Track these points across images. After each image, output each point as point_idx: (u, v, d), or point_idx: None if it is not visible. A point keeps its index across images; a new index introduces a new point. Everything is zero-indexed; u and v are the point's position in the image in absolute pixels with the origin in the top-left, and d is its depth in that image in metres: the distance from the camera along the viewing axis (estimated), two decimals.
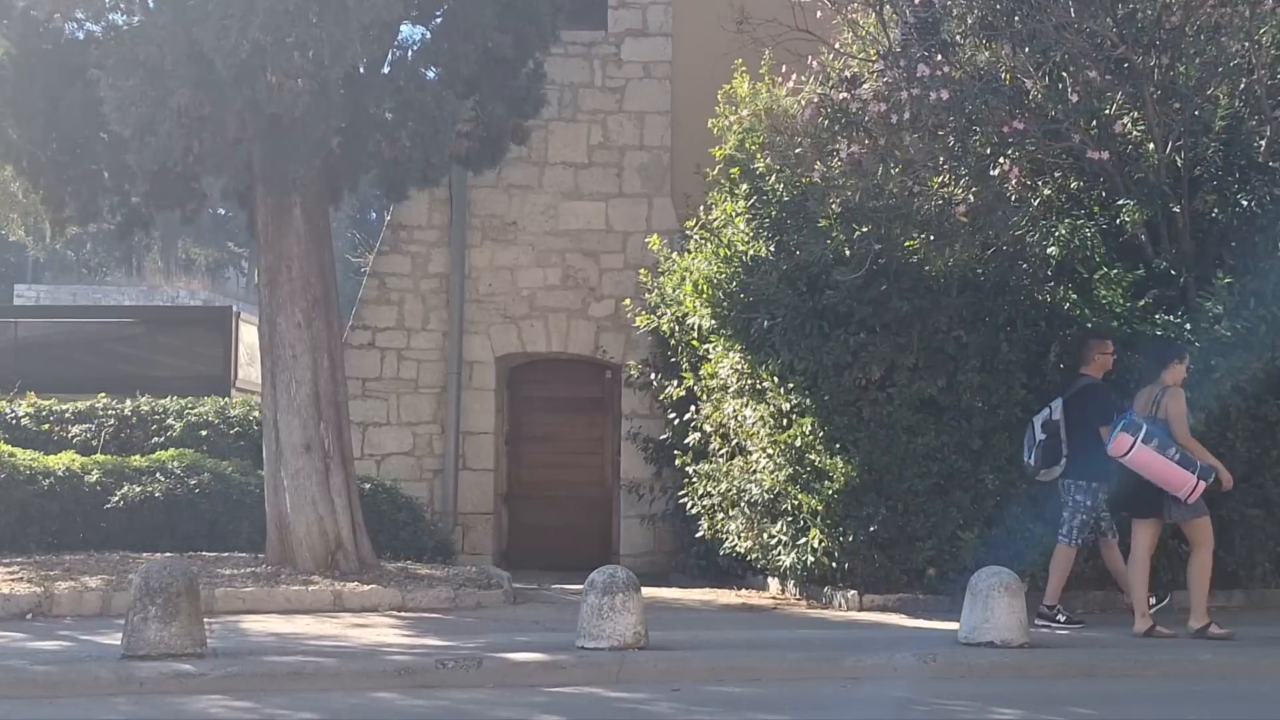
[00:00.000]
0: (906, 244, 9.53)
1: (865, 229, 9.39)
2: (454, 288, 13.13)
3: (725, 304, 10.43)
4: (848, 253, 9.55)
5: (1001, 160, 9.39)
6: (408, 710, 6.36)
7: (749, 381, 10.36)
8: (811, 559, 9.71)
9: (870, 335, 9.73)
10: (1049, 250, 9.44)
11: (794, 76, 10.16)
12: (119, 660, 6.79)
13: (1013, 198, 9.50)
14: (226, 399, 12.98)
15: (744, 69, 10.81)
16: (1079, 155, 9.73)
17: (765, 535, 10.17)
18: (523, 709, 6.39)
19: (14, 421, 12.10)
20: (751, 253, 10.34)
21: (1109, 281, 9.61)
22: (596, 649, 7.23)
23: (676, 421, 11.93)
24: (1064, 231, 9.41)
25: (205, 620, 7.20)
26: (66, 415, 12.22)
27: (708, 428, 11.22)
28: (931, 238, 9.39)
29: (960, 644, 7.71)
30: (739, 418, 10.55)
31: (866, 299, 9.68)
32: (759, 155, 10.38)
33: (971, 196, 9.29)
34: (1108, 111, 9.60)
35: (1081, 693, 6.94)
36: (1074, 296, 9.76)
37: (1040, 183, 9.82)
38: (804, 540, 9.75)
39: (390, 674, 6.87)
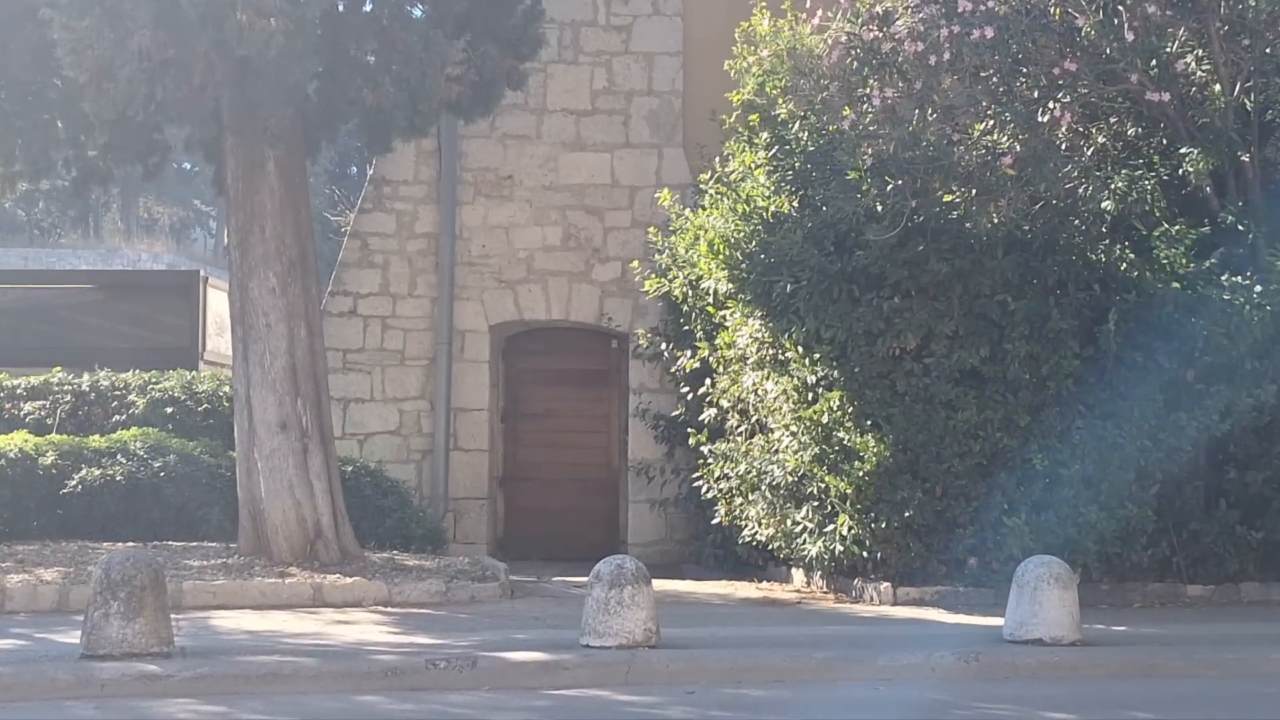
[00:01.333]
0: (945, 199, 9.48)
1: (899, 182, 9.35)
2: (443, 249, 13.09)
3: (744, 266, 10.40)
4: (880, 208, 9.51)
5: (1051, 105, 9.31)
6: (395, 715, 6.36)
7: (770, 351, 10.33)
8: (840, 548, 9.71)
9: (905, 300, 9.70)
10: (1104, 205, 9.39)
11: (820, 13, 10.07)
12: (78, 660, 6.79)
13: (1063, 146, 9.44)
14: (194, 372, 12.97)
15: (764, 4, 10.73)
16: (1137, 98, 9.64)
17: (788, 522, 10.17)
18: (521, 713, 6.39)
19: None
20: (773, 209, 10.30)
21: (1170, 239, 9.56)
22: (603, 647, 7.23)
23: (690, 396, 11.91)
24: (1120, 184, 9.34)
25: (172, 616, 7.20)
26: (18, 391, 12.22)
27: (725, 403, 11.21)
28: (973, 192, 9.35)
29: (1005, 641, 7.71)
30: (759, 392, 10.53)
31: (901, 260, 9.64)
32: (781, 100, 10.32)
33: (1018, 145, 9.23)
34: (1169, 49, 9.51)
35: (1140, 695, 6.92)
36: (1131, 256, 9.71)
37: (1094, 129, 9.75)
38: (831, 527, 9.75)
39: (376, 675, 6.87)
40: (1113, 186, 9.37)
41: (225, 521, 10.64)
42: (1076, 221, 9.78)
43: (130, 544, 10.18)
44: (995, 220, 9.39)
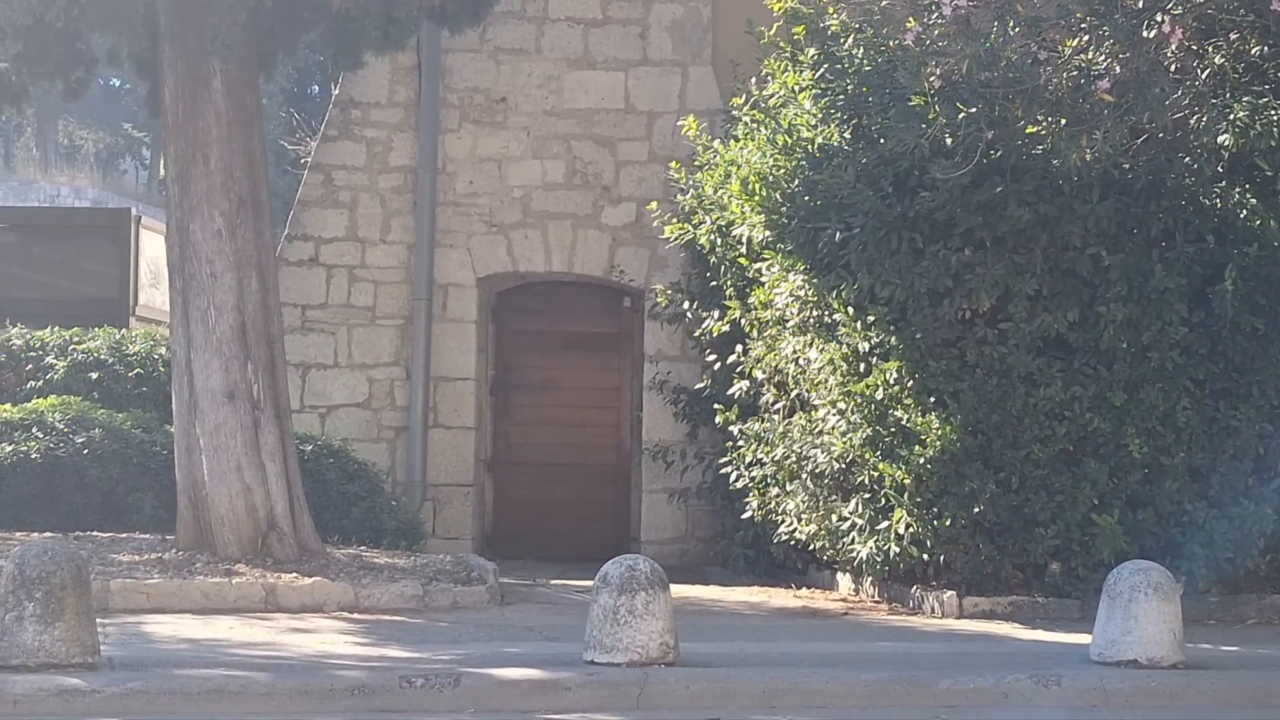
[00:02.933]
0: (1029, 130, 9.44)
1: (973, 109, 9.30)
2: (423, 186, 13.09)
3: (784, 209, 10.38)
4: (949, 141, 9.46)
5: (1159, 18, 9.24)
6: None
7: (815, 313, 10.32)
8: (896, 549, 9.73)
9: (978, 252, 9.66)
10: (1220, 139, 9.34)
11: None
12: None
13: (1173, 68, 9.38)
14: (124, 331, 13.01)
15: None
16: (1262, 10, 9.56)
17: (834, 517, 10.19)
18: None
19: None
20: (820, 140, 10.27)
21: None
22: (610, 664, 7.26)
23: (718, 366, 11.92)
24: (1241, 114, 9.29)
25: (99, 621, 7.25)
26: None
27: (759, 374, 11.21)
28: (1063, 122, 9.30)
29: (1093, 662, 7.73)
30: (801, 361, 10.53)
31: (974, 204, 9.61)
32: (831, 10, 10.27)
33: (1117, 66, 9.17)
34: None
35: None
36: (1253, 201, 9.66)
37: (1210, 48, 9.68)
38: (886, 524, 9.77)
39: (340, 693, 6.91)
40: (1232, 117, 9.31)
41: (161, 509, 10.69)
42: (1187, 159, 9.73)
43: (48, 534, 10.23)
44: (1088, 157, 9.34)
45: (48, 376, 12.04)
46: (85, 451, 10.82)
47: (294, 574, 9.40)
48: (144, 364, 12.15)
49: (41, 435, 10.87)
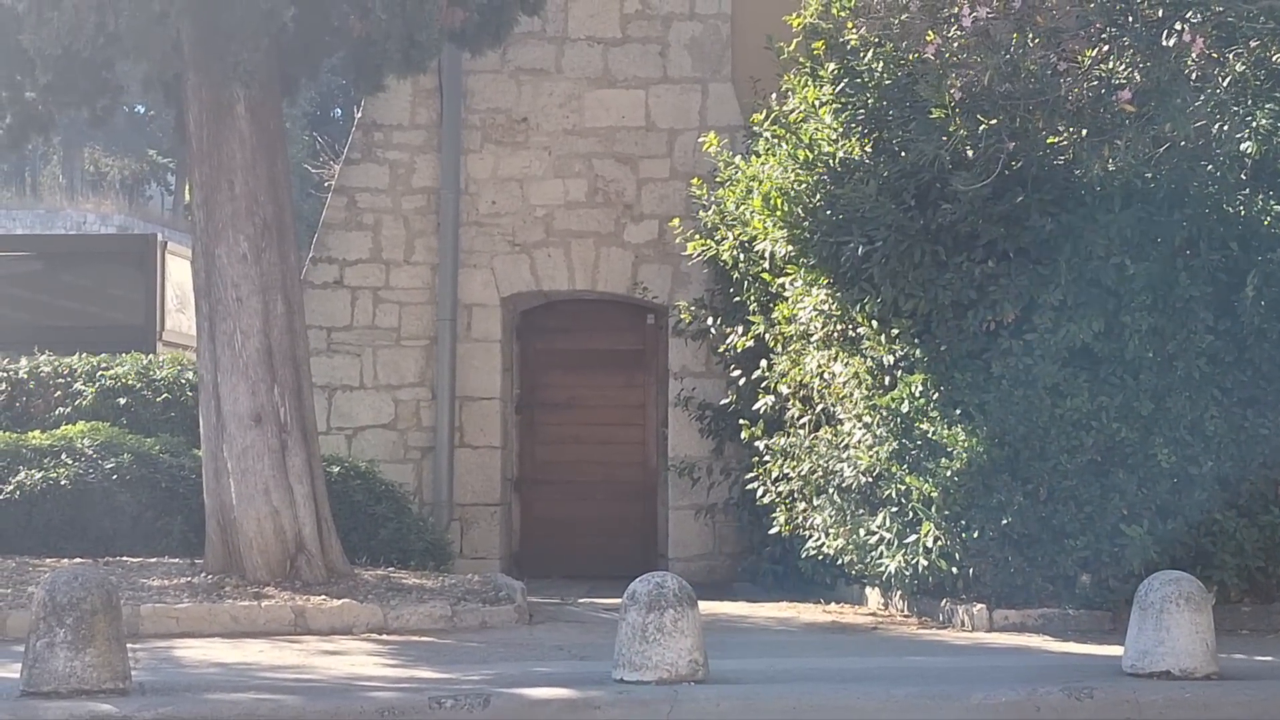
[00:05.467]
0: (1050, 141, 9.42)
1: (994, 121, 9.29)
2: (446, 206, 13.12)
3: (806, 224, 10.37)
4: (970, 153, 9.46)
5: (1179, 26, 9.22)
6: None
7: (839, 327, 10.31)
8: (924, 562, 9.69)
9: (1001, 263, 9.65)
10: (1243, 146, 9.30)
11: None
12: (19, 698, 6.83)
13: (1194, 77, 9.35)
14: (151, 356, 13.04)
15: None
16: None
17: (862, 531, 10.16)
18: None
19: None
20: (841, 154, 10.26)
21: None
22: (640, 682, 7.23)
23: (742, 381, 11.90)
24: (1264, 120, 9.26)
25: (129, 646, 7.23)
26: None
27: (784, 389, 11.19)
28: (1084, 132, 9.29)
29: (1125, 675, 7.66)
30: (826, 375, 10.51)
31: (996, 215, 9.59)
32: (851, 24, 10.26)
33: (1138, 76, 9.15)
34: None
35: None
36: (1276, 208, 9.62)
37: (1231, 55, 9.64)
38: (914, 538, 9.73)
39: (370, 715, 6.89)
40: (1254, 124, 9.28)
41: (190, 533, 10.69)
42: (1209, 167, 9.69)
43: (78, 560, 10.24)
44: (1110, 166, 9.32)
45: (76, 403, 12.08)
46: (114, 477, 10.84)
47: (323, 596, 9.40)
48: (171, 389, 12.17)
49: (71, 461, 10.89)
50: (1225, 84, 9.50)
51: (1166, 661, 7.59)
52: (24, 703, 6.78)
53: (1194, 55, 9.27)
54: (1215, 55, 9.56)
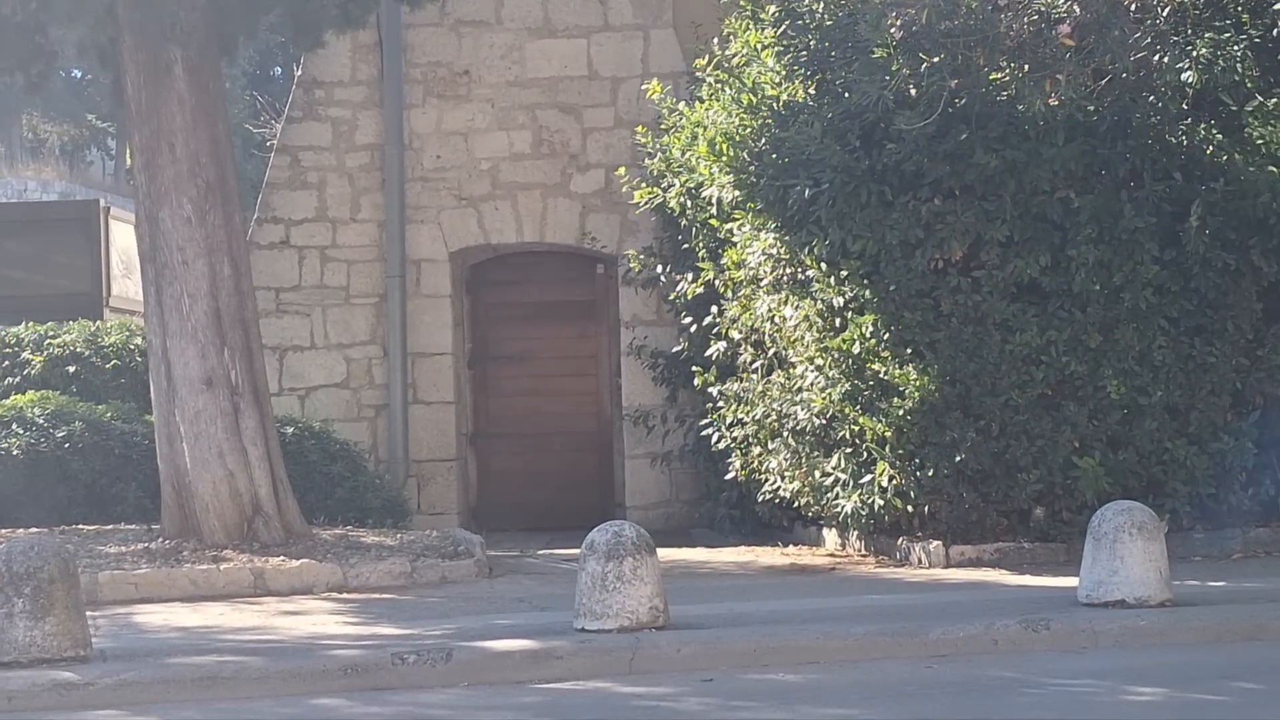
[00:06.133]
0: (992, 77, 9.42)
1: (935, 59, 9.28)
2: (390, 162, 13.02)
3: (752, 168, 10.35)
4: (913, 92, 9.45)
5: None
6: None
7: (788, 270, 10.31)
8: (880, 502, 9.74)
9: (947, 201, 9.67)
10: (1184, 76, 9.33)
11: None
12: None
13: (1133, 8, 9.36)
14: (99, 322, 12.95)
15: None
16: None
17: (817, 473, 10.20)
18: (509, 712, 6.42)
19: None
20: (785, 97, 10.24)
21: (1266, 114, 9.53)
22: (601, 631, 7.27)
23: (694, 328, 11.90)
24: (1204, 50, 9.29)
25: (89, 613, 7.22)
26: None
27: (735, 334, 11.20)
28: (1025, 67, 9.29)
29: (1081, 604, 7.76)
30: (776, 319, 10.52)
31: (941, 153, 9.60)
32: None
33: (1078, 9, 9.15)
34: None
35: (1245, 663, 6.97)
36: (1219, 137, 9.67)
37: None
38: (869, 478, 9.78)
39: (334, 673, 6.90)
40: (1194, 54, 9.31)
41: (145, 499, 10.65)
42: (1151, 99, 9.72)
43: (34, 530, 10.18)
44: (1053, 101, 9.33)
45: (25, 372, 12.00)
46: (67, 445, 10.78)
47: (281, 557, 9.38)
48: (120, 355, 12.10)
49: (22, 431, 10.82)
50: (1164, 14, 9.52)
51: (1121, 590, 7.68)
52: None
53: None
54: None
